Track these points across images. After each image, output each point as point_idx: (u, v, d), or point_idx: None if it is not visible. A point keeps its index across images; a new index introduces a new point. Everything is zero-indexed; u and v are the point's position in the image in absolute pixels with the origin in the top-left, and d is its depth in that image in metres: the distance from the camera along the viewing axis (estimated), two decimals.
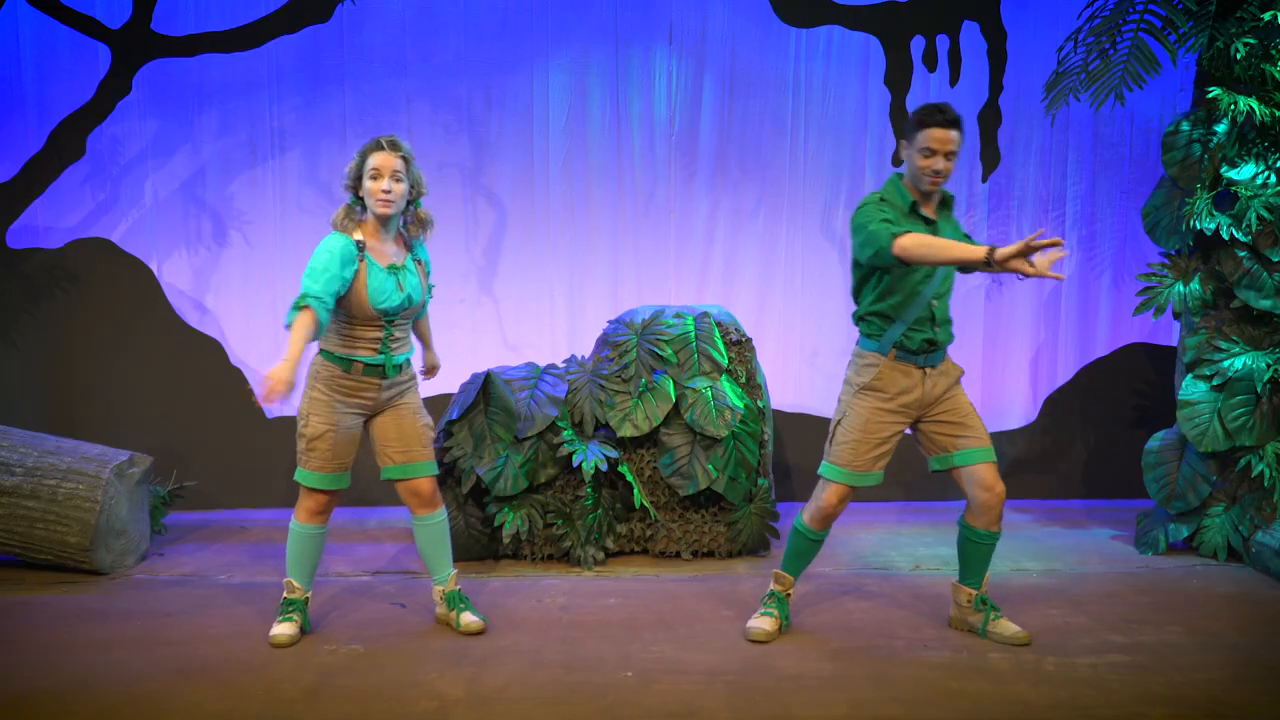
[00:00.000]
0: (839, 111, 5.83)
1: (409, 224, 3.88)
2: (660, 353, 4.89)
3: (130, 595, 4.44)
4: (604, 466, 4.71)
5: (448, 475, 4.81)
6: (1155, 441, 5.12)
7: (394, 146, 3.76)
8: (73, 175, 5.56)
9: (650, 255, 5.90)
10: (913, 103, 5.79)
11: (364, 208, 3.79)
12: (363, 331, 3.79)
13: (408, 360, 3.93)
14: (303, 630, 3.93)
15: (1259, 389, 4.72)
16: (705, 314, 5.04)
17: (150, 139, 5.69)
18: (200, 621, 4.10)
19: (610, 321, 5.15)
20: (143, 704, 3.38)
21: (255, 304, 5.82)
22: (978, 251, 3.43)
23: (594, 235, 5.87)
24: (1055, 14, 5.69)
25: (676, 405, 4.82)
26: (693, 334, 4.94)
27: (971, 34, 5.76)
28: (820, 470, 3.90)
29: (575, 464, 4.68)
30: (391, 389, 3.87)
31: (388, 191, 3.71)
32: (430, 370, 4.30)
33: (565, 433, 4.77)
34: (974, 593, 3.97)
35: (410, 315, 3.87)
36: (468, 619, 3.96)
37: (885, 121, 5.81)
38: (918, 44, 5.76)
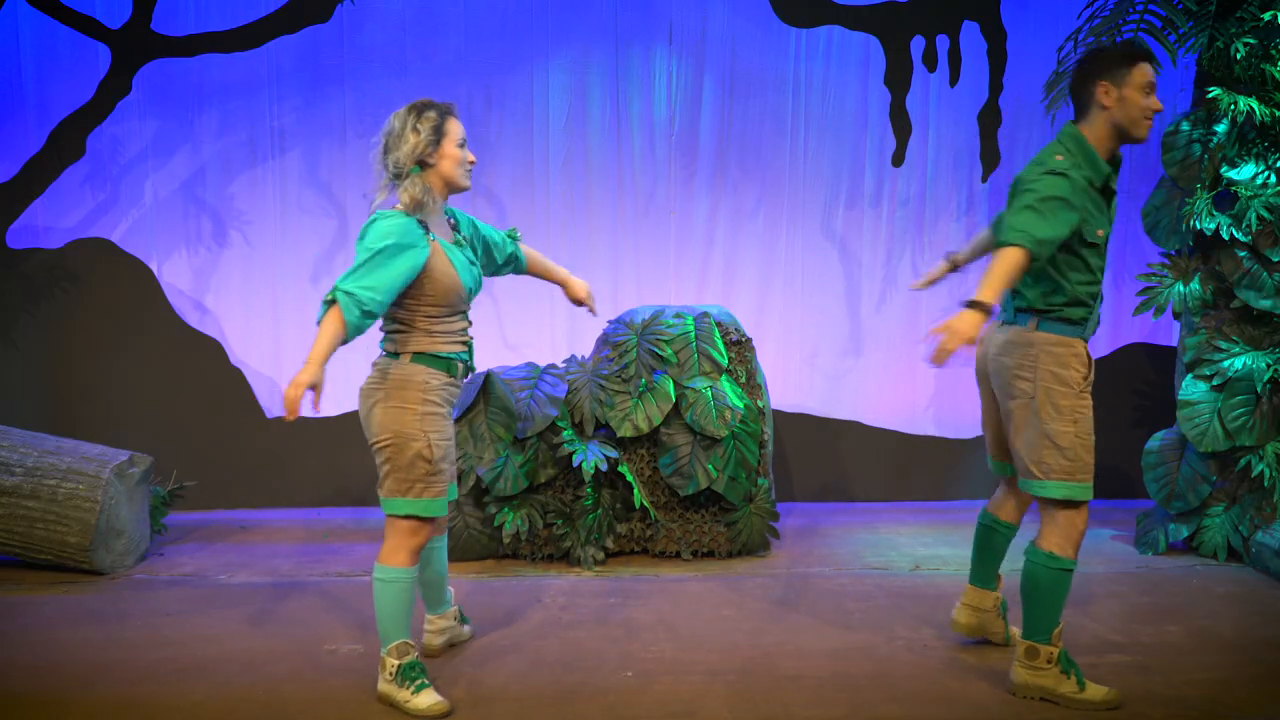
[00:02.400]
0: (839, 111, 5.83)
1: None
2: (660, 353, 4.89)
3: (130, 595, 4.44)
4: (604, 466, 4.71)
5: None
6: (1155, 441, 5.12)
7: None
8: (73, 175, 5.56)
9: (650, 255, 5.91)
10: (913, 103, 5.79)
11: (427, 184, 3.32)
12: (452, 323, 3.38)
13: None
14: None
15: (1259, 389, 4.72)
16: (705, 314, 5.04)
17: (150, 139, 5.69)
18: (200, 621, 4.10)
19: (610, 321, 5.15)
20: (143, 704, 3.38)
21: (255, 304, 5.82)
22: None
23: (594, 235, 5.87)
24: (1055, 14, 5.69)
25: (676, 405, 4.82)
26: (693, 334, 4.94)
27: (971, 34, 5.76)
28: (1066, 494, 3.29)
29: (575, 464, 4.68)
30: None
31: (474, 161, 3.40)
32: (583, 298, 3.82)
33: (565, 433, 4.77)
34: (999, 596, 3.79)
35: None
36: (466, 630, 3.97)
37: (885, 121, 5.80)
38: (918, 44, 5.76)
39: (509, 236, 3.75)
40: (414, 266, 3.24)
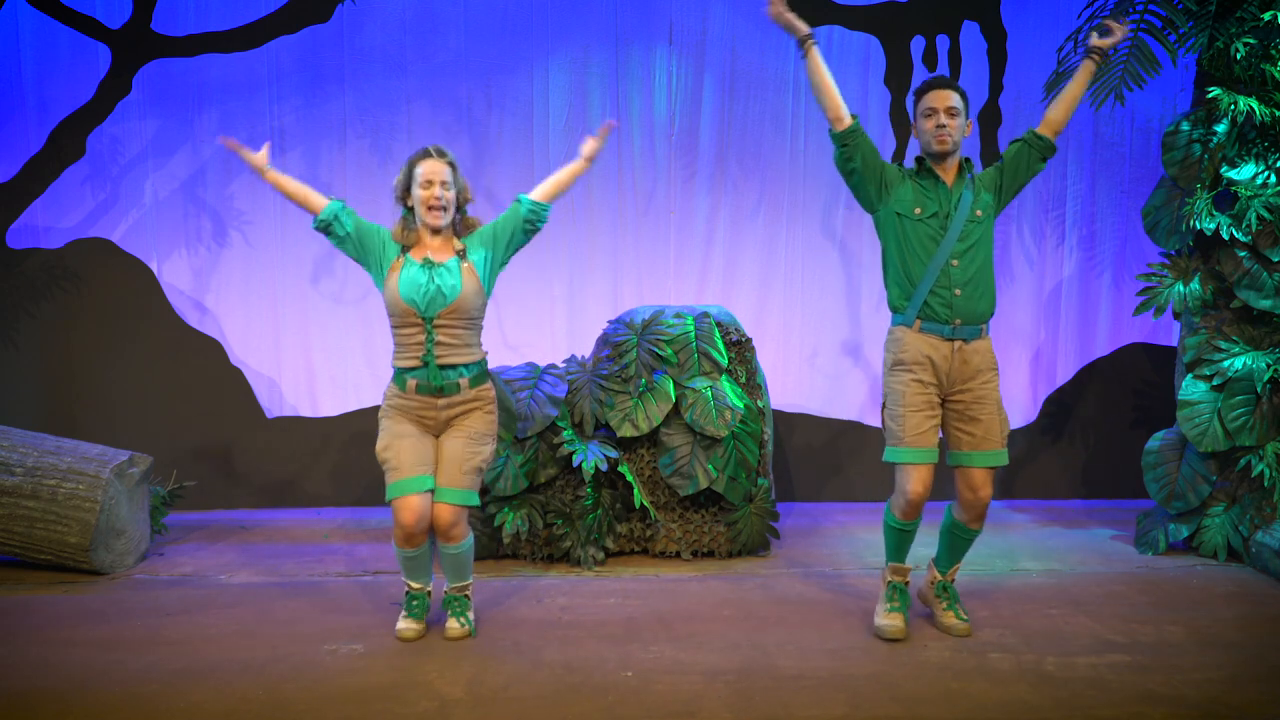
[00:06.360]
0: None
1: (458, 229, 3.87)
2: (660, 353, 4.89)
3: (130, 595, 4.44)
4: (604, 466, 4.71)
5: None
6: (1155, 441, 5.12)
7: (441, 154, 3.77)
8: (73, 175, 5.56)
9: (650, 255, 5.91)
10: (912, 103, 5.80)
11: (414, 216, 3.81)
12: (406, 335, 3.77)
13: (472, 378, 3.82)
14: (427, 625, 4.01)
15: (1259, 389, 4.72)
16: (705, 314, 5.04)
17: (150, 139, 5.69)
18: (200, 621, 4.10)
19: (610, 321, 5.15)
20: (143, 704, 3.38)
21: (255, 304, 5.82)
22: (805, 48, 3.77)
23: (594, 235, 5.87)
24: (1055, 14, 5.69)
25: (676, 405, 4.82)
26: (693, 334, 4.94)
27: (971, 34, 5.76)
28: (885, 457, 3.88)
29: (575, 464, 4.68)
30: (451, 409, 3.82)
31: (439, 198, 3.73)
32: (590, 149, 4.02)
33: (565, 433, 4.77)
34: (940, 577, 4.07)
35: (454, 317, 3.75)
36: (449, 625, 3.96)
37: (885, 121, 5.81)
38: (918, 44, 5.76)
39: (516, 203, 3.93)
40: (359, 251, 3.83)
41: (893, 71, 5.77)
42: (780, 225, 5.91)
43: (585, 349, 5.52)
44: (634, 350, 4.92)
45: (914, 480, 3.79)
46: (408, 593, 3.99)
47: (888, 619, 3.93)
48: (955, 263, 3.74)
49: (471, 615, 4.00)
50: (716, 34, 5.77)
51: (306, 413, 5.90)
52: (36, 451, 4.72)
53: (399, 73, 5.72)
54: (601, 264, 5.89)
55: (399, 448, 3.78)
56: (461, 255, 3.81)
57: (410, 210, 3.81)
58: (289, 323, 5.85)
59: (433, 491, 3.80)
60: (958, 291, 3.75)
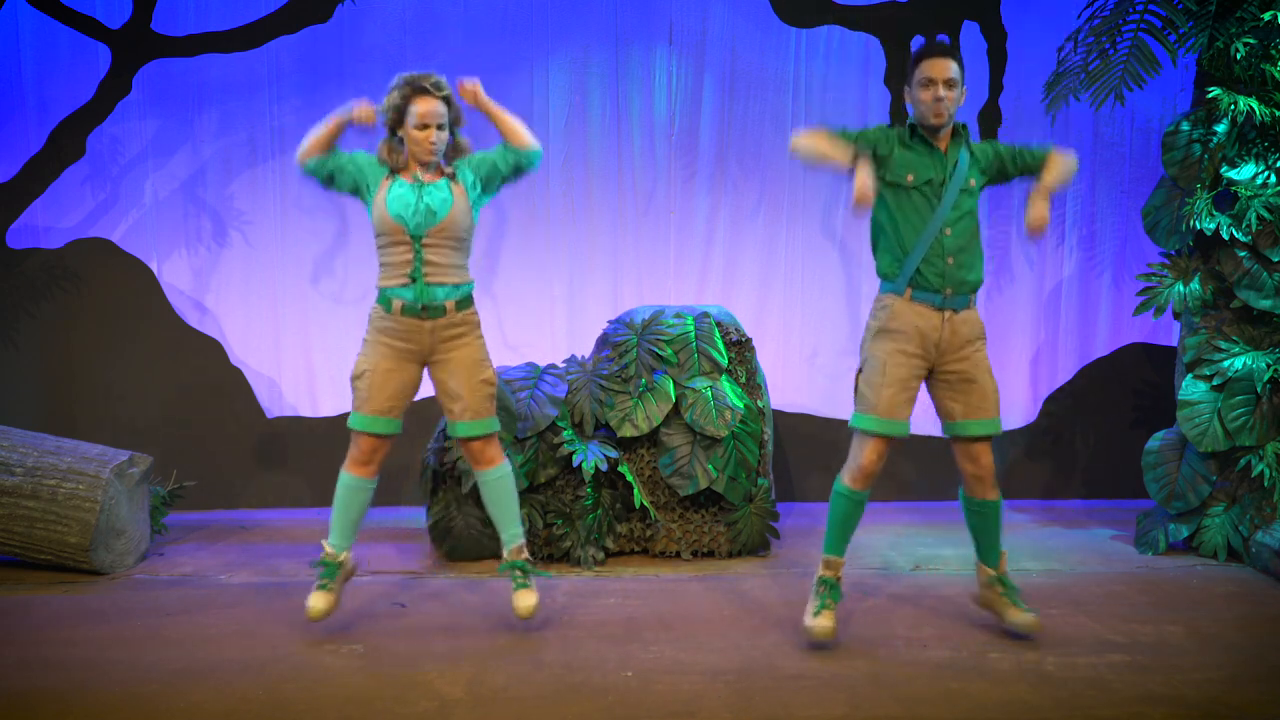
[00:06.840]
0: (839, 111, 5.82)
1: (448, 153, 3.85)
2: (660, 353, 4.89)
3: (130, 595, 4.44)
4: (604, 466, 4.71)
5: (447, 476, 4.82)
6: (1155, 441, 5.12)
7: (438, 89, 3.73)
8: (73, 175, 5.56)
9: (650, 255, 5.91)
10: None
11: (403, 143, 3.78)
12: (393, 254, 3.75)
13: (459, 301, 3.82)
14: (338, 599, 3.89)
15: (1259, 389, 4.72)
16: (705, 314, 5.05)
17: (150, 139, 5.69)
18: (200, 621, 4.10)
19: (610, 321, 5.15)
20: (143, 704, 3.38)
21: (255, 304, 5.82)
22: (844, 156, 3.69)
23: (594, 235, 5.87)
24: (1055, 14, 5.68)
25: (676, 405, 4.82)
26: (693, 334, 4.94)
27: (971, 34, 5.76)
28: (852, 423, 3.79)
29: (575, 464, 4.68)
30: (440, 334, 3.80)
31: (434, 143, 3.73)
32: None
33: (565, 433, 4.77)
34: (992, 572, 3.91)
35: (443, 236, 3.75)
36: (521, 597, 3.88)
37: (885, 121, 5.80)
38: (918, 44, 5.74)
39: (503, 147, 3.93)
40: (355, 181, 3.82)
41: (893, 72, 5.77)
42: (780, 225, 5.91)
43: (585, 349, 5.51)
44: (634, 350, 4.92)
45: (872, 449, 3.73)
46: (321, 559, 3.88)
47: (816, 620, 3.77)
48: (948, 231, 3.69)
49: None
50: (716, 34, 5.77)
51: (306, 413, 5.90)
52: (36, 451, 4.72)
53: (399, 72, 5.70)
54: (601, 264, 5.89)
55: (373, 381, 3.79)
56: (451, 178, 3.80)
57: (398, 138, 3.78)
58: (289, 323, 5.85)
59: (394, 436, 3.86)
60: (950, 260, 3.69)
